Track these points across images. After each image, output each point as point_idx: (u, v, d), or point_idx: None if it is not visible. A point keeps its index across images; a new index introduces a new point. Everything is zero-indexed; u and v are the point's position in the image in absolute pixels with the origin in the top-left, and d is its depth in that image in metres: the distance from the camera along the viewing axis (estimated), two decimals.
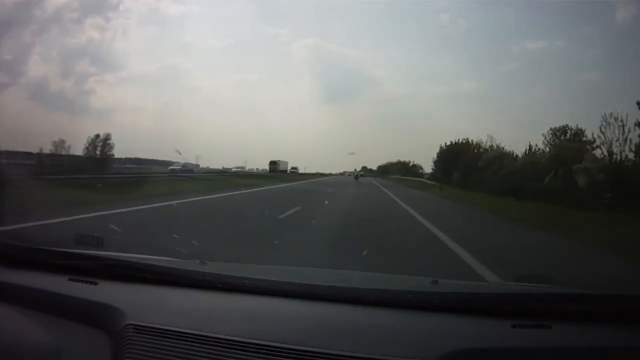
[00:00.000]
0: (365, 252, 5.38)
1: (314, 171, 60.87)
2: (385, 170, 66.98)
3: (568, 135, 26.76)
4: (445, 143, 38.61)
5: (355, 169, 54.10)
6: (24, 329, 1.38)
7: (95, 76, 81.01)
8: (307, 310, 1.47)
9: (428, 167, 49.91)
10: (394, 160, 66.01)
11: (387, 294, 1.56)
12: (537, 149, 27.07)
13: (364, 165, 66.52)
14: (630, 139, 17.64)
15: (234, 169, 45.67)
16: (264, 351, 1.18)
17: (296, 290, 1.56)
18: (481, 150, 32.83)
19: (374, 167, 71.93)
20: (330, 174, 59.56)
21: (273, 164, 58.57)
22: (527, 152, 27.26)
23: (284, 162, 61.12)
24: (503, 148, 30.58)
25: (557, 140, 26.65)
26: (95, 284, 1.62)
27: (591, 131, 21.37)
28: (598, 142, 19.05)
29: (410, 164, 59.60)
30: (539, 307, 1.41)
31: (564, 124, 27.22)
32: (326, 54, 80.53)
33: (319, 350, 1.17)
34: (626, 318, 1.33)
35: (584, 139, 23.19)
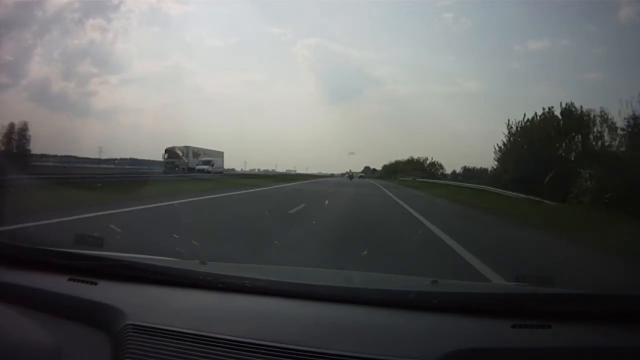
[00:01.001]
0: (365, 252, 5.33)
1: (316, 171, 54.39)
2: (393, 170, 54.62)
3: None
4: (525, 119, 22.88)
5: (350, 170, 53.33)
6: (24, 329, 1.38)
7: (97, 77, 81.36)
8: (307, 310, 1.46)
9: (446, 166, 44.16)
10: (404, 158, 53.98)
11: (387, 294, 1.56)
12: None
13: (367, 165, 63.41)
14: None
15: None
16: (263, 351, 1.18)
17: (296, 290, 1.56)
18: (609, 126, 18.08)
19: (379, 167, 63.61)
20: (332, 175, 58.63)
21: (171, 154, 33.70)
22: None
23: (201, 150, 34.79)
24: None
25: None
26: (95, 284, 1.62)
27: None
28: None
29: (427, 163, 48.08)
30: (539, 307, 1.40)
31: None
32: (329, 54, 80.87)
33: (319, 350, 1.17)
34: (626, 318, 1.33)
35: None
